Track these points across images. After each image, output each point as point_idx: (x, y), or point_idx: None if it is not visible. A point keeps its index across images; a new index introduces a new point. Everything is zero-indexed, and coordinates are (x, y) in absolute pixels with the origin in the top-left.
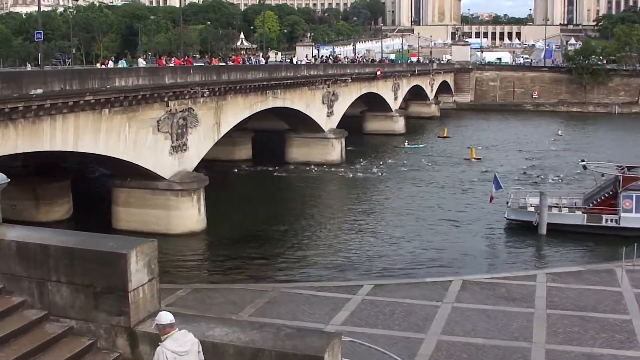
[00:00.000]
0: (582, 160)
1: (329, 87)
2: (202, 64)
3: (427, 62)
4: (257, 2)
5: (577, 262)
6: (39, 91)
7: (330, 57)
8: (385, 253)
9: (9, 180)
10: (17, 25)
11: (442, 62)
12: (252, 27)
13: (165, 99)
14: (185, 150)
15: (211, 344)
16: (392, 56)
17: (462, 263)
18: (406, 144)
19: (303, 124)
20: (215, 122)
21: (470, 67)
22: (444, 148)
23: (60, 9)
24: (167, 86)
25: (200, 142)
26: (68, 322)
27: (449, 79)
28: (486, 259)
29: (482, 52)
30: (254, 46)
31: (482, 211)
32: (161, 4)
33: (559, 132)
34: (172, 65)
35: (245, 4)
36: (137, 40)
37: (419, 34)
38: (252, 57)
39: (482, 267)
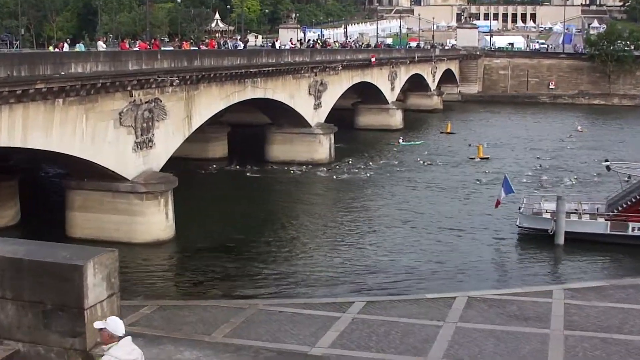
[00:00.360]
0: (606, 160)
1: (316, 75)
2: (171, 49)
3: (429, 47)
4: None
5: (600, 277)
6: None
7: (318, 41)
8: (379, 265)
9: None
10: None
11: (445, 47)
12: (228, 7)
13: (129, 88)
14: (151, 146)
15: None
16: (389, 41)
17: (467, 277)
18: (401, 140)
19: (286, 117)
20: (185, 114)
21: (478, 53)
22: (447, 145)
23: None
24: (130, 73)
25: (169, 138)
26: (14, 344)
27: (454, 67)
28: (495, 272)
29: (491, 36)
30: (231, 28)
31: (490, 218)
32: None
33: (579, 127)
34: (137, 49)
35: None
36: (96, 20)
37: (419, 15)
38: (228, 41)
39: (490, 281)
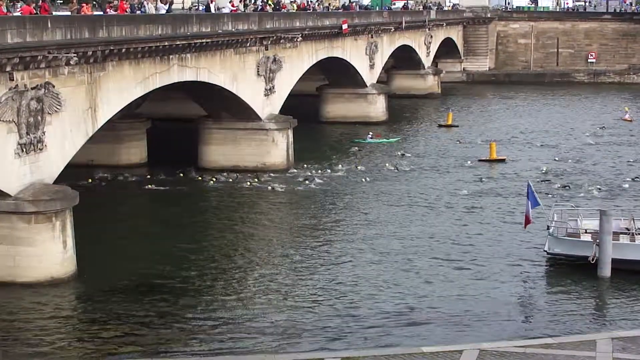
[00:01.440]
0: None
1: (267, 49)
2: (67, 14)
3: (421, 8)
4: None
5: None
6: None
7: (269, 2)
8: (358, 308)
9: None
10: None
11: (444, 8)
12: None
13: (8, 69)
14: (41, 149)
15: None
16: (366, 0)
17: (477, 323)
18: (370, 137)
19: (227, 107)
20: (88, 105)
21: (489, 15)
22: (448, 144)
23: None
24: (10, 48)
25: (66, 137)
26: None
27: (456, 35)
28: (516, 316)
29: None
30: None
31: (506, 241)
32: None
33: (626, 115)
34: (18, 14)
35: None
36: None
37: None
38: (145, 3)
39: (510, 329)
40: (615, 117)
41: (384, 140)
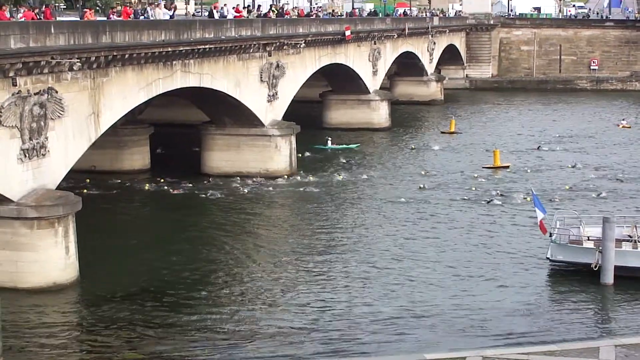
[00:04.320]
0: None
1: (270, 55)
2: (71, 19)
3: (424, 15)
4: None
5: None
6: None
7: (273, 8)
8: (358, 315)
9: None
10: None
11: (447, 15)
12: None
13: (11, 74)
14: (44, 155)
15: None
16: (370, 6)
17: (480, 330)
18: (329, 142)
19: (230, 113)
20: (91, 110)
21: (491, 22)
22: (450, 151)
23: None
24: (13, 53)
25: (69, 143)
26: None
27: (459, 42)
28: (519, 323)
29: None
30: None
31: (508, 248)
32: None
33: (623, 121)
34: (21, 20)
35: None
36: None
37: None
38: (148, 9)
39: (513, 336)
40: (613, 125)
41: (344, 146)
